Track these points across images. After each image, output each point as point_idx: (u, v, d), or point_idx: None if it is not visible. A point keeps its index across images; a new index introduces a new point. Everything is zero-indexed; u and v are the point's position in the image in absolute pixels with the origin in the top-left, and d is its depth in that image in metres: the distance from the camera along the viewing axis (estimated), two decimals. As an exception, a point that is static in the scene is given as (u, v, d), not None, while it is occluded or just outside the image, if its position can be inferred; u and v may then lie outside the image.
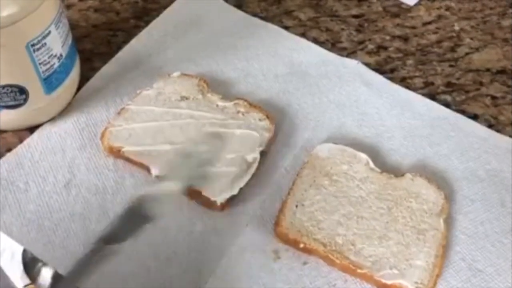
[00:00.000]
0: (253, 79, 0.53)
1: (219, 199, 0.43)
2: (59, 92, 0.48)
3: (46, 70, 0.45)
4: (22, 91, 0.45)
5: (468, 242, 0.43)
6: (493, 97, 0.53)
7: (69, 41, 0.48)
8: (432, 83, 0.54)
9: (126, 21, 0.59)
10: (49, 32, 0.44)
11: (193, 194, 0.43)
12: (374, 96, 0.52)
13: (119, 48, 0.56)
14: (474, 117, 0.51)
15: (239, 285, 0.40)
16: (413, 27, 0.60)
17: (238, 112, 0.48)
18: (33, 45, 0.43)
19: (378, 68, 0.55)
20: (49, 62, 0.45)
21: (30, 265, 0.40)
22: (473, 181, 0.46)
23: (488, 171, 0.47)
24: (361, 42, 0.58)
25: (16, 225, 0.42)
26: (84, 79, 0.52)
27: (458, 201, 0.45)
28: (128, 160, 0.46)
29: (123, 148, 0.46)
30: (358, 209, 0.43)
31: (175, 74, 0.51)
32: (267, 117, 0.48)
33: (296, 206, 0.43)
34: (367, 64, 0.55)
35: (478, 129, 0.50)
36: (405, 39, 0.58)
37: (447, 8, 0.62)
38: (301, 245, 0.41)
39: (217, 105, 0.49)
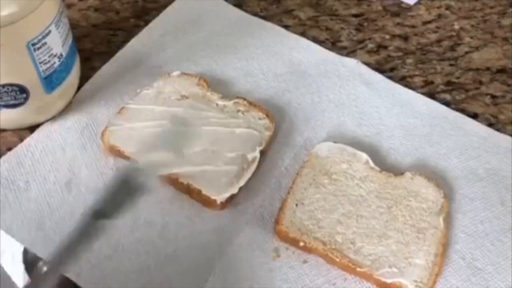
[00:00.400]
0: (252, 78, 0.53)
1: (219, 198, 0.43)
2: (60, 91, 0.48)
3: (47, 69, 0.45)
4: (23, 90, 0.45)
5: (468, 241, 0.43)
6: (493, 96, 0.53)
7: (69, 40, 0.48)
8: (432, 82, 0.54)
9: (126, 21, 0.59)
10: (50, 32, 0.44)
11: (193, 192, 0.44)
12: (373, 95, 0.52)
13: (119, 47, 0.56)
14: (474, 116, 0.51)
15: (239, 284, 0.40)
16: (413, 26, 0.60)
17: (238, 111, 0.48)
18: (33, 44, 0.43)
19: (378, 67, 0.55)
20: (49, 61, 0.45)
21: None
22: (473, 180, 0.46)
23: (488, 170, 0.47)
24: (361, 41, 0.58)
25: (16, 224, 0.42)
26: (84, 78, 0.52)
27: (457, 200, 0.45)
28: (128, 159, 0.46)
29: (123, 147, 0.46)
30: (357, 208, 0.43)
31: (175, 73, 0.51)
32: (267, 116, 0.48)
33: (296, 204, 0.43)
34: (367, 63, 0.55)
35: (477, 128, 0.50)
36: (405, 38, 0.58)
37: (447, 7, 0.62)
38: (301, 244, 0.41)
39: (217, 104, 0.49)
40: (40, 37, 0.43)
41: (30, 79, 0.45)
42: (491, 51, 0.57)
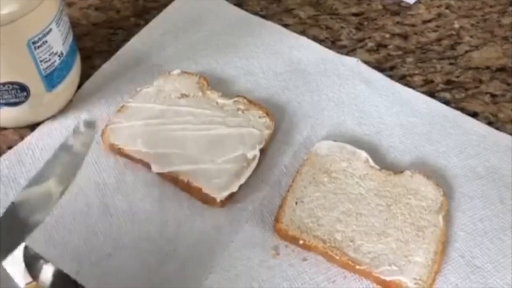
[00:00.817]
0: (252, 77, 0.53)
1: (219, 196, 0.43)
2: (60, 90, 0.48)
3: (47, 67, 0.45)
4: (23, 88, 0.45)
5: (467, 239, 0.43)
6: (493, 95, 0.53)
7: (70, 39, 0.48)
8: (432, 81, 0.54)
9: (127, 19, 0.59)
10: (50, 30, 0.44)
11: (193, 190, 0.44)
12: (373, 94, 0.52)
13: (119, 46, 0.56)
14: (474, 114, 0.51)
15: (238, 282, 0.40)
16: (413, 25, 0.60)
17: (238, 109, 0.49)
18: (34, 43, 0.43)
19: (378, 66, 0.55)
20: (50, 60, 0.45)
21: (32, 262, 0.40)
22: (472, 178, 0.46)
23: (487, 168, 0.47)
24: (360, 40, 0.58)
25: (17, 222, 0.43)
26: (84, 77, 0.52)
27: (457, 198, 0.45)
28: (128, 157, 0.46)
29: (123, 146, 0.46)
30: (357, 206, 0.43)
31: (175, 72, 0.52)
32: (267, 114, 0.48)
33: (296, 203, 0.43)
34: (367, 62, 0.55)
35: (477, 126, 0.50)
36: (405, 37, 0.58)
37: (447, 6, 0.62)
38: (301, 242, 0.41)
39: (217, 103, 0.49)
40: (40, 36, 0.43)
41: (30, 77, 0.45)
42: (491, 50, 0.57)
